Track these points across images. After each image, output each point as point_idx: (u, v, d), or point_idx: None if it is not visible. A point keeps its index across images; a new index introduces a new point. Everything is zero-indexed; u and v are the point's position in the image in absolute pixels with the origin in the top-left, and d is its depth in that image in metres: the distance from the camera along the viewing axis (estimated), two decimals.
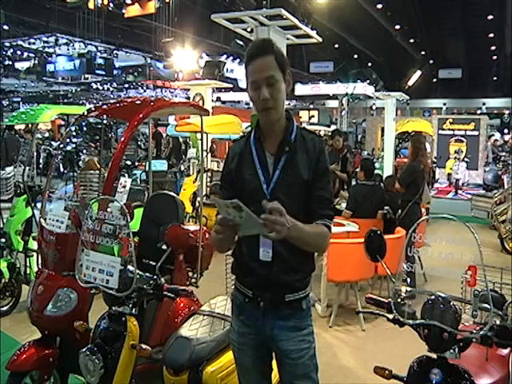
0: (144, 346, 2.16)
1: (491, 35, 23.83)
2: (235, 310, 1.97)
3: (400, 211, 5.45)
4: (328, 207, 1.87)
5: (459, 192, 14.92)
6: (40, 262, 3.44)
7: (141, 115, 3.32)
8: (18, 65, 19.65)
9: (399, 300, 1.86)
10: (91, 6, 13.21)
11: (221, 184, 2.03)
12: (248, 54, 1.80)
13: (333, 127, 20.88)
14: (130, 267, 2.19)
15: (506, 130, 23.58)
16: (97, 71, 17.86)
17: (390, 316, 1.86)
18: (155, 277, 2.26)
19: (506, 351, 2.23)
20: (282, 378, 1.93)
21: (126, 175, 8.95)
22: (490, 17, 21.81)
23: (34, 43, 17.64)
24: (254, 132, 1.91)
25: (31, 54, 18.91)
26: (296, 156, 1.83)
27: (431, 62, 28.88)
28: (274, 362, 1.99)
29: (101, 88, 25.81)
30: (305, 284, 1.89)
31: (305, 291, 1.89)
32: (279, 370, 1.93)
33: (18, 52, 18.74)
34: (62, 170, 13.19)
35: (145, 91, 25.93)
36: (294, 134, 1.86)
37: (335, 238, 4.46)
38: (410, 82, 23.24)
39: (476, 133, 17.52)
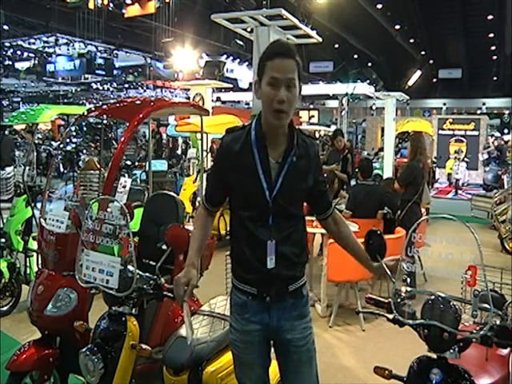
0: (144, 346, 2.16)
1: (491, 35, 23.85)
2: (237, 309, 1.96)
3: (399, 211, 5.44)
4: (328, 195, 2.09)
5: (459, 192, 14.91)
6: (40, 261, 3.44)
7: (141, 115, 3.32)
8: (18, 65, 19.63)
9: (399, 300, 1.86)
10: (91, 6, 13.21)
11: (210, 175, 2.05)
12: (272, 50, 1.77)
13: (333, 127, 20.89)
14: (130, 267, 2.19)
15: (506, 130, 23.57)
16: (97, 71, 17.85)
17: (390, 316, 1.86)
18: (155, 277, 2.26)
19: (505, 351, 2.23)
20: (286, 367, 1.95)
21: (126, 175, 8.96)
22: (490, 17, 21.84)
23: (34, 43, 17.62)
24: (256, 132, 1.85)
25: (31, 54, 18.89)
26: (299, 163, 1.86)
27: (431, 62, 28.91)
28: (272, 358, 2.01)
29: (101, 88, 25.78)
30: (303, 272, 1.98)
31: (303, 279, 1.97)
32: (283, 360, 1.95)
33: (18, 52, 18.72)
34: (62, 169, 13.20)
35: (145, 91, 25.90)
36: (295, 140, 1.86)
37: None
38: (410, 82, 23.27)
39: (476, 133, 17.53)
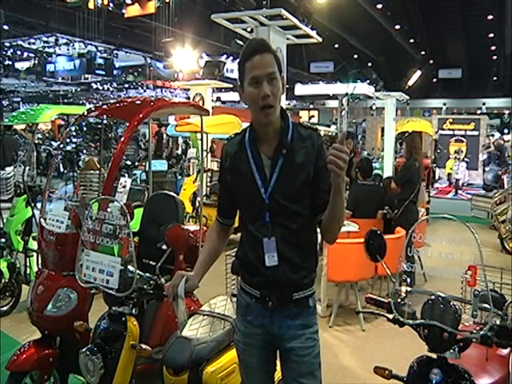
0: (144, 346, 2.16)
1: (491, 35, 23.81)
2: (240, 310, 1.96)
3: (396, 210, 5.46)
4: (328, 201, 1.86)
5: (459, 192, 14.92)
6: (40, 261, 3.44)
7: (141, 115, 3.32)
8: (18, 65, 19.61)
9: (399, 300, 1.86)
10: (91, 5, 13.22)
11: (219, 180, 2.06)
12: (247, 51, 1.75)
13: (333, 127, 20.89)
14: (130, 267, 2.19)
15: (506, 130, 23.56)
16: (97, 71, 17.83)
17: (390, 316, 1.86)
18: (155, 277, 2.26)
19: (505, 351, 2.23)
20: (286, 375, 1.91)
21: (126, 175, 8.97)
22: (490, 17, 21.80)
23: (34, 43, 17.60)
24: (249, 133, 1.87)
25: (31, 54, 18.87)
26: (294, 157, 1.79)
27: (431, 62, 28.88)
28: (277, 362, 1.99)
29: (101, 88, 25.76)
30: (311, 281, 1.92)
31: (311, 289, 1.92)
32: (284, 367, 1.92)
33: (18, 52, 18.70)
34: (62, 169, 13.21)
35: (145, 91, 25.87)
36: (290, 134, 1.81)
37: None
38: (410, 82, 23.24)
39: (476, 133, 17.54)
